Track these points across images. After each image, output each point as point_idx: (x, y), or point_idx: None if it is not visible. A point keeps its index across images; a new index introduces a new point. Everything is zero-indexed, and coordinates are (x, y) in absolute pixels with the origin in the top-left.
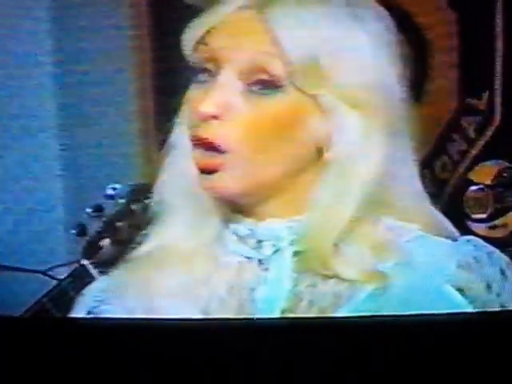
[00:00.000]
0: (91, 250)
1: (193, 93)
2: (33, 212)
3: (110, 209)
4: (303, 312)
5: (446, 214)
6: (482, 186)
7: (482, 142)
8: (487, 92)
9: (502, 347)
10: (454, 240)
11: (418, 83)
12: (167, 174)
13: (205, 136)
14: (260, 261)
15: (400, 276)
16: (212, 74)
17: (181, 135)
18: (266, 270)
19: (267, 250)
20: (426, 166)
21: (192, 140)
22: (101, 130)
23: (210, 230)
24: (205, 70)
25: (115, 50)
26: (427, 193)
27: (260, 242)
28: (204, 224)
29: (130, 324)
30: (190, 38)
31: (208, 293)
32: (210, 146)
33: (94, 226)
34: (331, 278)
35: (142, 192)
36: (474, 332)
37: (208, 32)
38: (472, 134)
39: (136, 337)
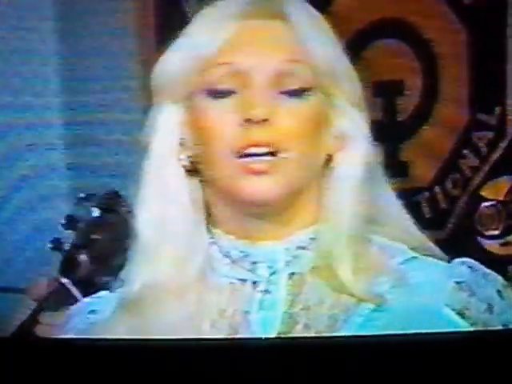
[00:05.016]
0: (69, 266)
1: (208, 109)
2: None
3: (84, 220)
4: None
5: (458, 231)
6: (494, 203)
7: (493, 158)
8: (499, 107)
9: (504, 367)
10: (448, 261)
11: (429, 100)
12: (149, 207)
13: (260, 139)
14: (254, 283)
15: (397, 299)
16: (234, 89)
17: (160, 162)
18: (261, 292)
19: (263, 271)
20: (438, 183)
21: (242, 148)
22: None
23: (199, 258)
24: (222, 87)
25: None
26: (438, 210)
27: (255, 263)
28: (192, 255)
29: (125, 345)
30: (193, 64)
31: (199, 318)
32: (264, 148)
33: (70, 240)
34: (333, 289)
35: (116, 200)
36: (474, 351)
37: (221, 50)
38: (484, 150)
39: (132, 358)
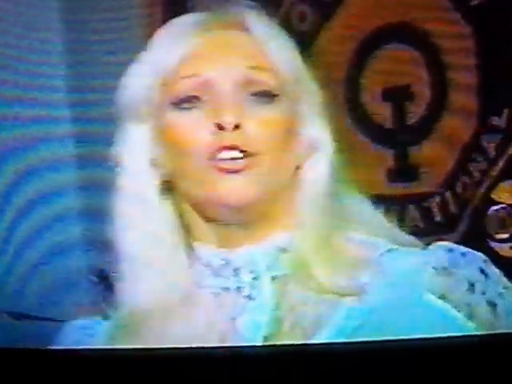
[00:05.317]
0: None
1: (178, 120)
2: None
3: None
4: (286, 335)
5: (469, 234)
6: (504, 206)
7: (503, 161)
8: (507, 110)
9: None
10: (425, 248)
11: (437, 103)
12: (127, 231)
13: (232, 143)
14: (238, 289)
15: (379, 291)
16: (200, 99)
17: (132, 177)
18: (246, 297)
19: (245, 276)
20: (447, 187)
21: (216, 151)
22: None
23: (181, 278)
24: (189, 98)
25: None
26: (448, 213)
27: (237, 269)
28: (174, 276)
29: (122, 355)
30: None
31: (188, 335)
32: (237, 151)
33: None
34: (313, 291)
35: None
36: (471, 355)
37: (183, 62)
38: (493, 153)
39: (131, 368)
